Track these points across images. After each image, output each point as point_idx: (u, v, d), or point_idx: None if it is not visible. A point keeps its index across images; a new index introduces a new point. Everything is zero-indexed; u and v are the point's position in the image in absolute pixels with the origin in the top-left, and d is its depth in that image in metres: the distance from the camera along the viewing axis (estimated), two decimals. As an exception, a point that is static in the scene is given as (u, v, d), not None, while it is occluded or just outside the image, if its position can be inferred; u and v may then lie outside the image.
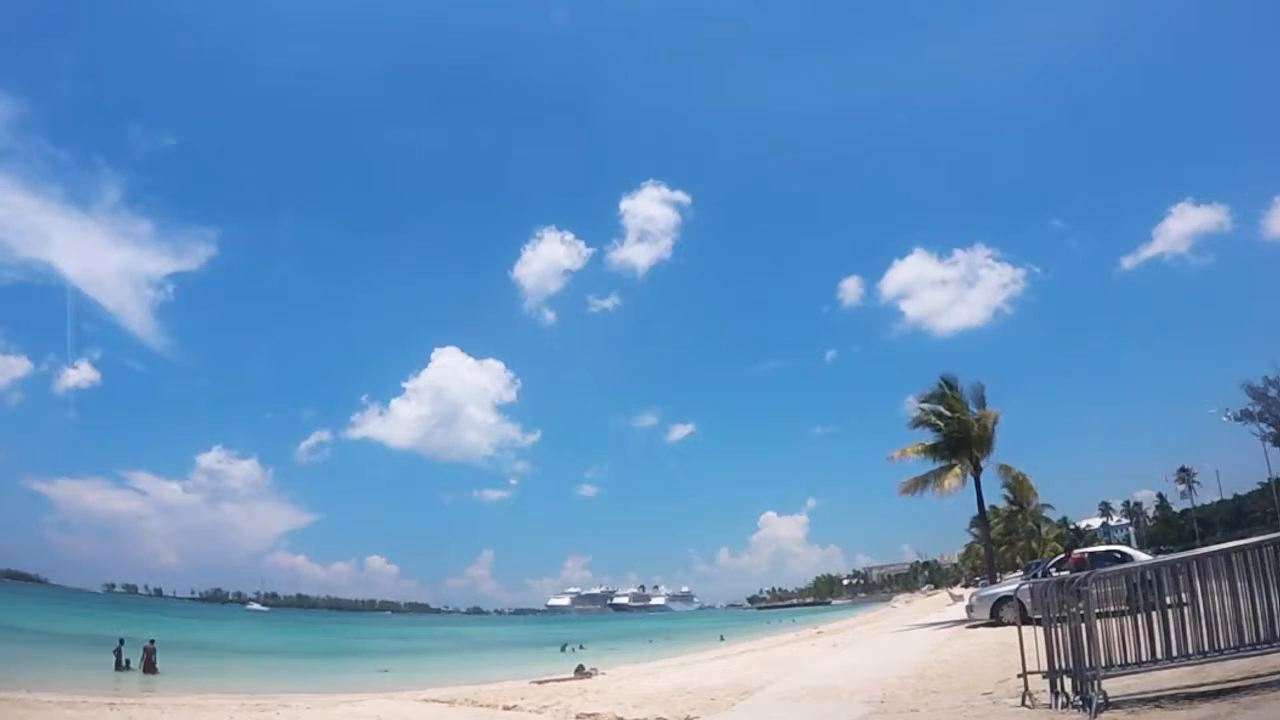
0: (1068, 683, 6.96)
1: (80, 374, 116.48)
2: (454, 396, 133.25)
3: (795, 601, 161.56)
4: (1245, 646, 6.75)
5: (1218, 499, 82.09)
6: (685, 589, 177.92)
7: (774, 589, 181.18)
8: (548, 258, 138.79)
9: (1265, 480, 67.99)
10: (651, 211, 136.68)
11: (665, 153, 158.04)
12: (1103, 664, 6.68)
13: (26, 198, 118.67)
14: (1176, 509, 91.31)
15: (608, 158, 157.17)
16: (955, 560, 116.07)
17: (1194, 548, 15.50)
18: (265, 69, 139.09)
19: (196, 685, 19.72)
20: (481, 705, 12.22)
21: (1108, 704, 6.53)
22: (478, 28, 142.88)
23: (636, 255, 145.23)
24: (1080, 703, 6.67)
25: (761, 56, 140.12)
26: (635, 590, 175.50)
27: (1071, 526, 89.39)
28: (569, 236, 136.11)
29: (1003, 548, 63.28)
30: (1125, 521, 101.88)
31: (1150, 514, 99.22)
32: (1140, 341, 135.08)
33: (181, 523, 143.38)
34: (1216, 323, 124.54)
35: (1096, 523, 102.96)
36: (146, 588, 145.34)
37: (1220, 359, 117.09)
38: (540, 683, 16.53)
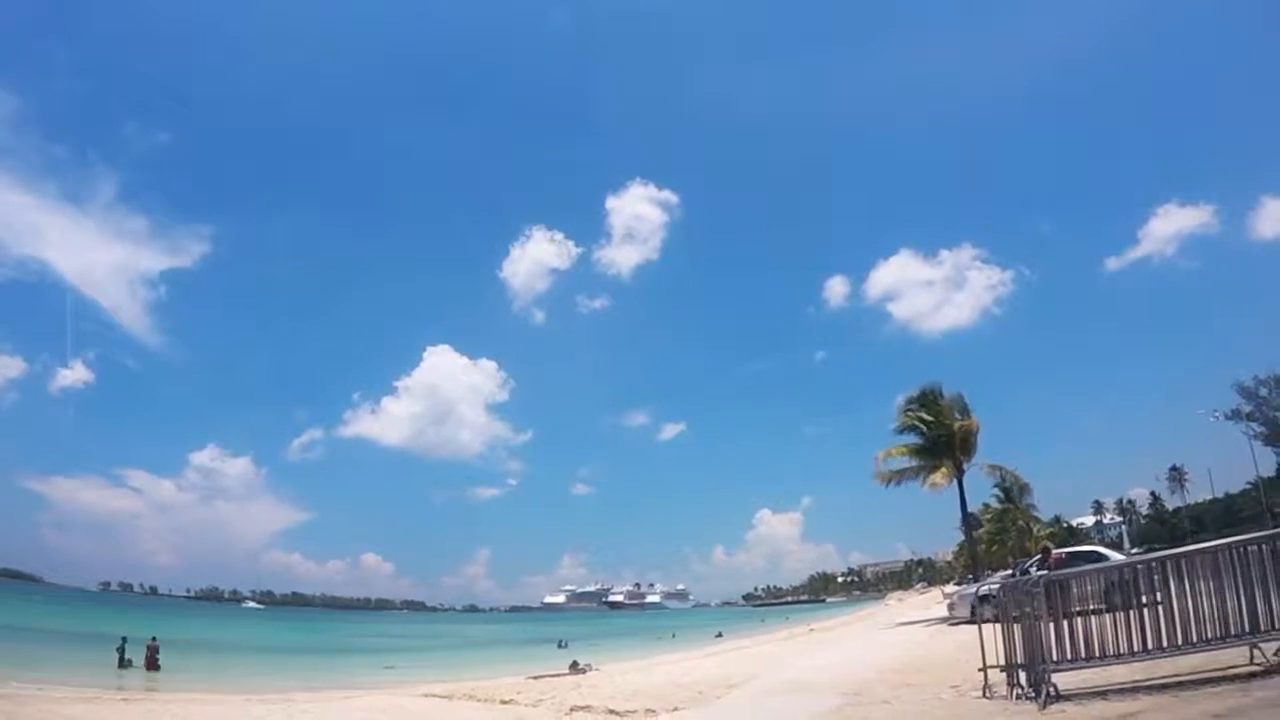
0: (1023, 676, 7.51)
1: (75, 372, 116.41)
2: (446, 395, 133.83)
3: (790, 599, 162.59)
4: (1198, 644, 7.31)
5: (1210, 497, 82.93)
6: (681, 587, 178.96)
7: (769, 586, 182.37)
8: (536, 256, 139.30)
9: (1250, 481, 68.88)
10: (639, 210, 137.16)
11: (652, 152, 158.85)
12: (1054, 659, 7.24)
13: (21, 194, 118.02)
14: (1171, 507, 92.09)
15: (596, 156, 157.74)
16: (949, 558, 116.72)
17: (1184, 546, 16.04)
18: (259, 67, 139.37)
19: (199, 682, 20.06)
20: (480, 700, 12.73)
21: (1058, 696, 7.09)
22: (468, 28, 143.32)
23: (624, 255, 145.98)
24: (1033, 694, 7.22)
25: (749, 57, 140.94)
26: (631, 588, 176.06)
27: (1064, 525, 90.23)
28: (558, 236, 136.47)
29: (994, 546, 63.91)
30: (1118, 520, 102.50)
31: (1143, 512, 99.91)
32: (1131, 342, 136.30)
33: (177, 521, 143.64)
34: (1205, 323, 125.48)
35: (1090, 521, 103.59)
36: (142, 586, 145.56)
37: (1210, 358, 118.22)
38: (536, 678, 17.03)
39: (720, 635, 43.92)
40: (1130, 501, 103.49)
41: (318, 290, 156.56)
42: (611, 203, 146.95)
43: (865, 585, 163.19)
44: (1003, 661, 7.73)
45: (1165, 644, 7.37)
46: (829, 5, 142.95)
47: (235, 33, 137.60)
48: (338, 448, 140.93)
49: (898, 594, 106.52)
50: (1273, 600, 7.21)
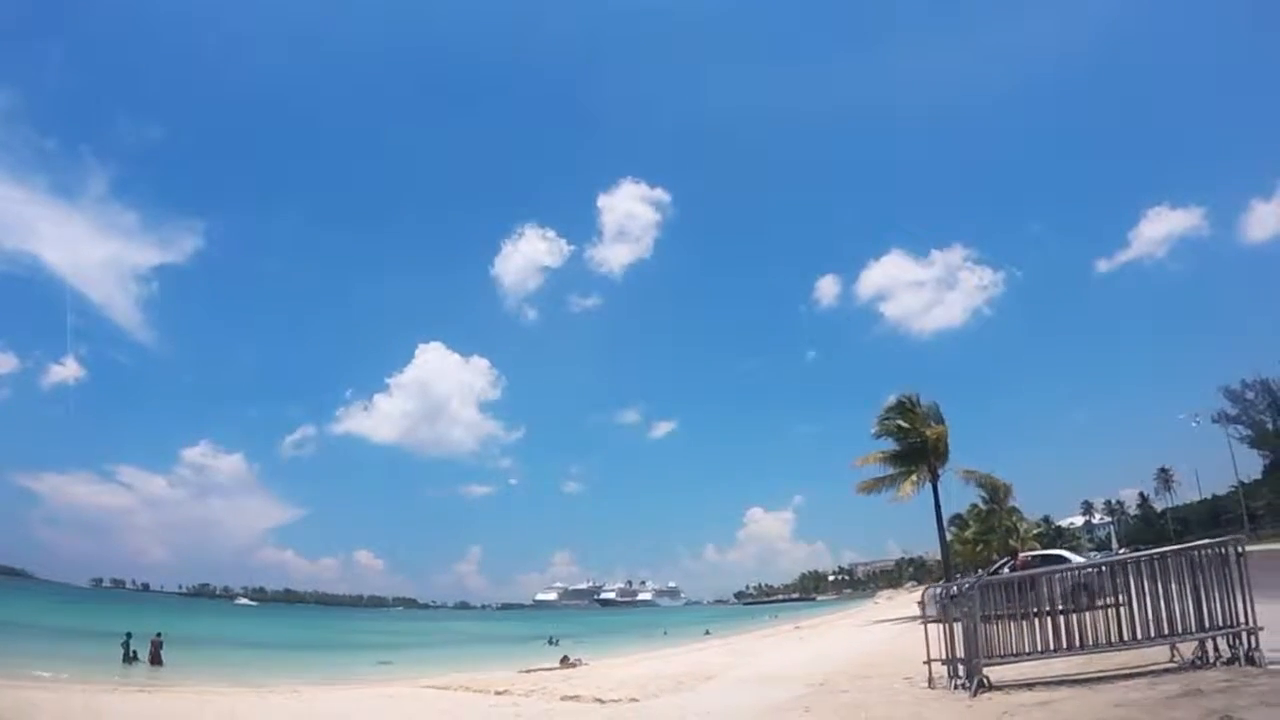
0: (961, 669, 8.44)
1: (66, 368, 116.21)
2: (438, 392, 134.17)
3: (781, 597, 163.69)
4: (1116, 644, 8.23)
5: (1197, 499, 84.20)
6: (672, 584, 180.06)
7: (760, 585, 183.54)
8: (528, 254, 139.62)
9: (1235, 483, 70.15)
10: (631, 209, 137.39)
11: (645, 151, 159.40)
12: (986, 654, 8.17)
13: (12, 188, 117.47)
14: (1159, 508, 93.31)
15: (589, 154, 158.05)
16: (939, 557, 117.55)
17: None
18: (252, 63, 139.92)
19: (203, 677, 20.67)
20: (476, 691, 13.60)
21: (989, 686, 8.03)
22: (461, 27, 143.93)
23: (616, 253, 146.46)
24: (968, 685, 8.15)
25: (742, 58, 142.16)
26: (622, 585, 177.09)
27: (1053, 525, 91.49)
28: (550, 233, 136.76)
29: (979, 546, 65.16)
30: (1107, 520, 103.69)
31: (1132, 513, 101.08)
32: (1121, 343, 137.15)
33: (168, 517, 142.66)
34: (1195, 325, 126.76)
35: (1080, 521, 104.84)
36: (134, 583, 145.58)
37: (1200, 360, 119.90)
38: (528, 672, 17.91)
39: (708, 632, 44.91)
40: (1119, 502, 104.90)
41: (310, 286, 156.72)
42: (603, 201, 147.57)
43: (856, 584, 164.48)
44: (946, 656, 8.65)
45: (1090, 643, 8.30)
46: (822, 6, 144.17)
47: (229, 28, 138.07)
48: (330, 445, 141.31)
49: (887, 592, 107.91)
50: (1189, 605, 8.14)
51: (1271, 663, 7.63)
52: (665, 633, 49.16)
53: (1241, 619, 7.87)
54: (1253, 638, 7.80)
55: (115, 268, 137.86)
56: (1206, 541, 8.60)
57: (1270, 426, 70.95)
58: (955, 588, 9.23)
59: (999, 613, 8.61)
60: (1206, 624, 8.04)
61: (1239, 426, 72.00)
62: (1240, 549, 8.18)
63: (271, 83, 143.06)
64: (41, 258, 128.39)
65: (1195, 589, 8.15)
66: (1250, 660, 7.71)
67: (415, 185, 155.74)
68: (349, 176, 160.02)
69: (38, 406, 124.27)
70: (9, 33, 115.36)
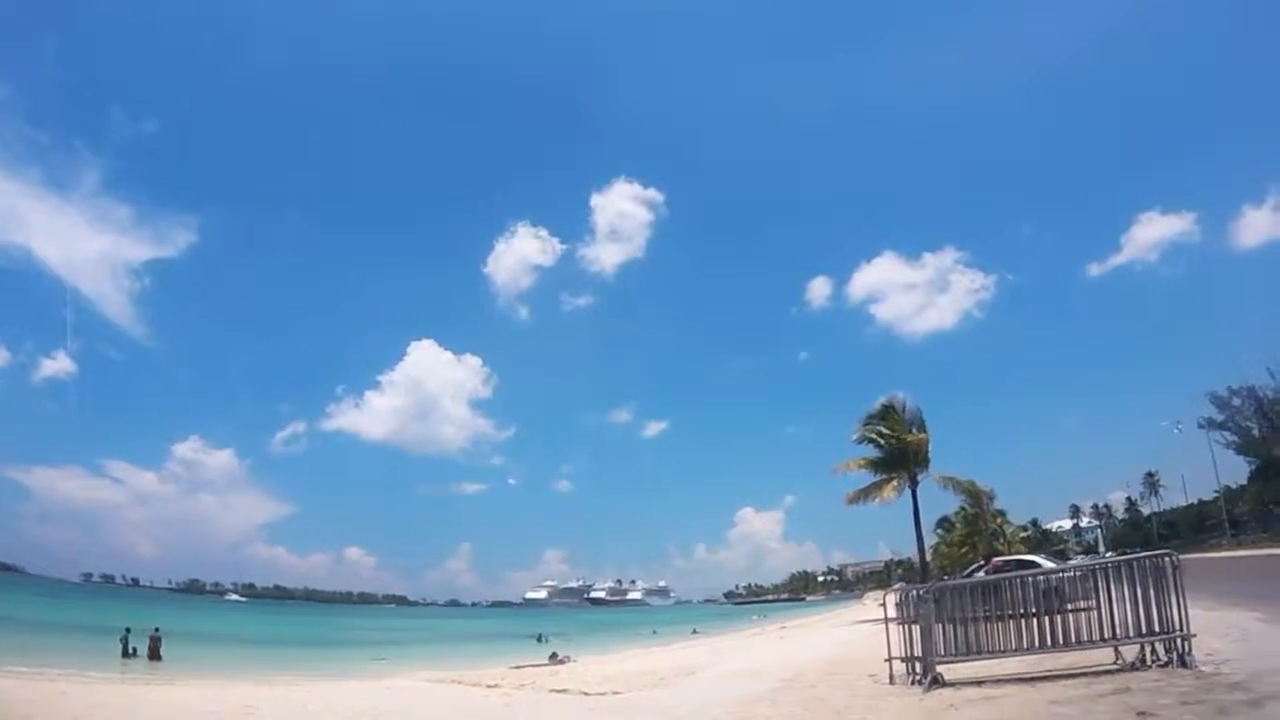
0: (918, 667, 9.15)
1: (57, 362, 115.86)
2: (429, 390, 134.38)
3: (771, 597, 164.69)
4: (1061, 645, 8.93)
5: (1184, 503, 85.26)
6: (662, 584, 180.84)
7: (750, 585, 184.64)
8: (520, 253, 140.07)
9: (1219, 489, 71.16)
10: (624, 208, 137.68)
11: (638, 151, 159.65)
12: (940, 653, 8.88)
13: (4, 181, 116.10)
14: (1146, 512, 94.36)
15: (582, 154, 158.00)
16: (928, 559, 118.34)
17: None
18: (247, 59, 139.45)
19: (203, 671, 21.08)
20: (469, 685, 14.26)
21: (941, 683, 8.75)
22: (456, 26, 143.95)
23: (609, 253, 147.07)
24: (923, 681, 8.86)
25: (736, 58, 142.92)
26: (612, 584, 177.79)
27: (1041, 528, 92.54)
28: (542, 232, 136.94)
29: (964, 549, 66.17)
30: (1095, 523, 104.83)
31: (1119, 516, 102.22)
32: (1111, 347, 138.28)
33: (158, 513, 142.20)
34: (1186, 330, 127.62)
35: (1068, 524, 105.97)
36: (124, 578, 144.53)
37: (1190, 365, 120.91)
38: (518, 668, 18.57)
39: (696, 631, 45.73)
40: (1106, 506, 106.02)
41: (303, 283, 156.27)
42: (596, 200, 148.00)
43: (846, 584, 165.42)
44: (905, 655, 9.37)
45: (1038, 644, 9.00)
46: (816, 8, 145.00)
47: (225, 23, 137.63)
48: (321, 441, 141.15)
49: (876, 593, 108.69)
50: (1128, 611, 8.84)
51: (1203, 665, 8.35)
52: (654, 632, 49.90)
53: (1177, 625, 8.58)
54: (1186, 643, 8.50)
55: (108, 262, 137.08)
56: (1146, 554, 9.31)
57: (1256, 433, 71.87)
58: (915, 591, 9.92)
59: (958, 615, 9.31)
60: (1145, 629, 8.75)
61: (1225, 433, 72.99)
62: (1176, 561, 8.89)
63: (267, 79, 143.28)
64: (34, 251, 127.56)
65: (1135, 597, 8.87)
66: (1183, 663, 8.40)
67: (409, 183, 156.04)
68: (343, 174, 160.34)
69: (28, 400, 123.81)
70: (2, 25, 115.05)
